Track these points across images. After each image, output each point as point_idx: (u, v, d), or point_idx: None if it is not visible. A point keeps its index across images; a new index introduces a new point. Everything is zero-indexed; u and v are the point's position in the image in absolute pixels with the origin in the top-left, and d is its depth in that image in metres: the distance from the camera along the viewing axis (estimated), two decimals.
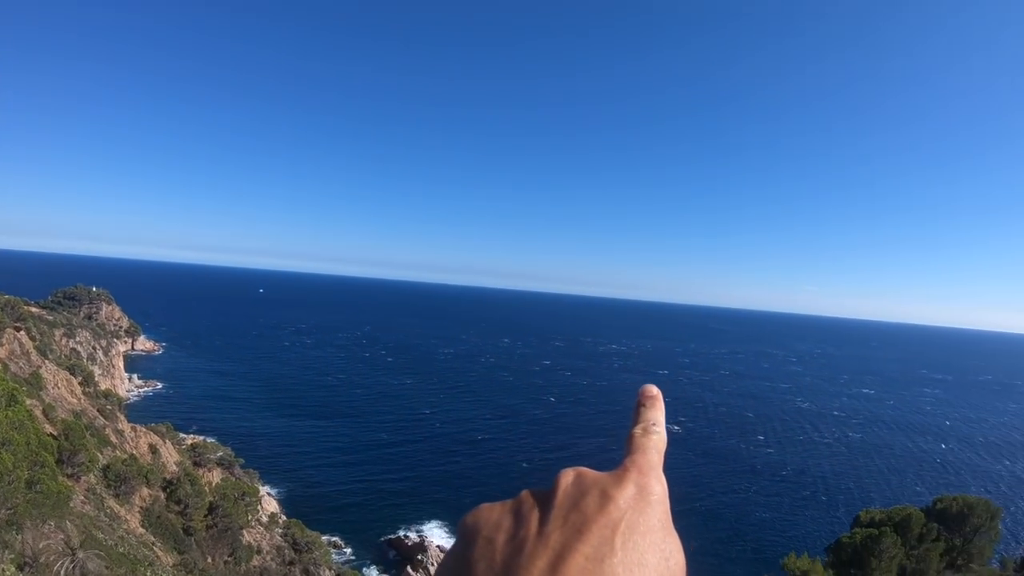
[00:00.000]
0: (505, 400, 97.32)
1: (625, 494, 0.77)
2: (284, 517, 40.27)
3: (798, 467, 73.47)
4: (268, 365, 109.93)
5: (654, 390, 0.83)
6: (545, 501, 0.76)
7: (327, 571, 34.12)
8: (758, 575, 38.69)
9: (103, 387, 53.69)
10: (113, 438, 31.96)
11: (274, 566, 32.26)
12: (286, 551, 34.54)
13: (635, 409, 0.82)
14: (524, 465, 65.65)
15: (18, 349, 35.23)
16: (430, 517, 50.35)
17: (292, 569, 32.97)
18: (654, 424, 0.82)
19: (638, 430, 0.82)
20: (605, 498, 0.75)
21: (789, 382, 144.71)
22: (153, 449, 33.86)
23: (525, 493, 0.77)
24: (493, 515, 0.76)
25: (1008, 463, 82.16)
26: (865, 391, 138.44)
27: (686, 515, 53.84)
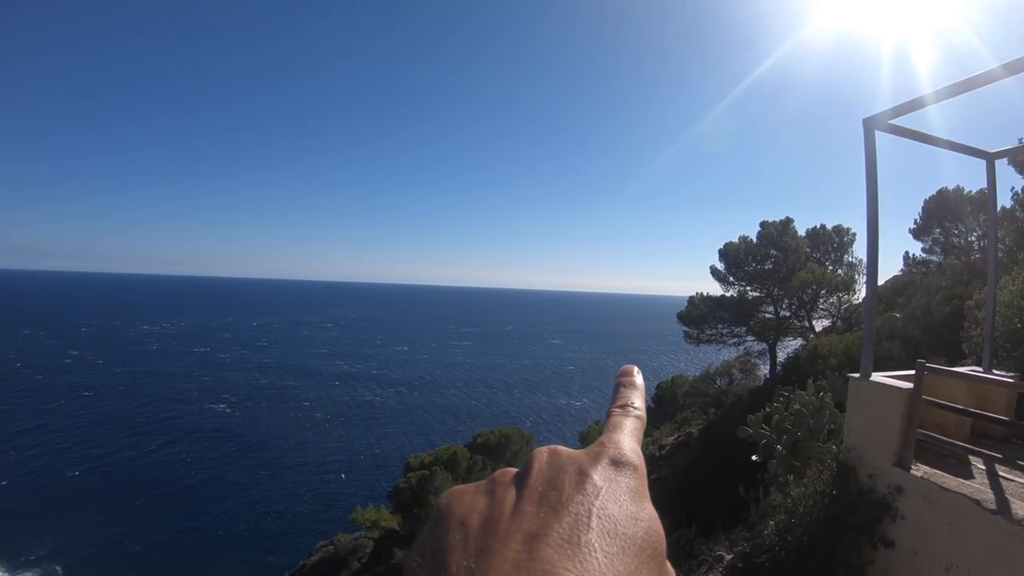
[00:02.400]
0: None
1: (601, 470, 0.76)
2: None
3: (351, 429, 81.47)
4: None
5: (633, 370, 0.94)
6: (520, 480, 0.76)
7: None
8: (332, 533, 39.24)
9: None
10: None
11: None
12: None
13: (614, 389, 0.92)
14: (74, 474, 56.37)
15: None
16: None
17: None
18: (632, 403, 0.90)
19: (616, 408, 0.90)
20: (582, 475, 0.75)
21: (328, 347, 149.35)
22: None
23: (499, 472, 0.80)
24: (466, 497, 0.76)
25: (531, 396, 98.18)
26: (400, 348, 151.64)
27: (240, 495, 56.14)
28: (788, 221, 25.64)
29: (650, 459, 20.90)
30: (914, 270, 24.40)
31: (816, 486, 7.28)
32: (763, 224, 25.95)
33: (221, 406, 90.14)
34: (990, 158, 8.65)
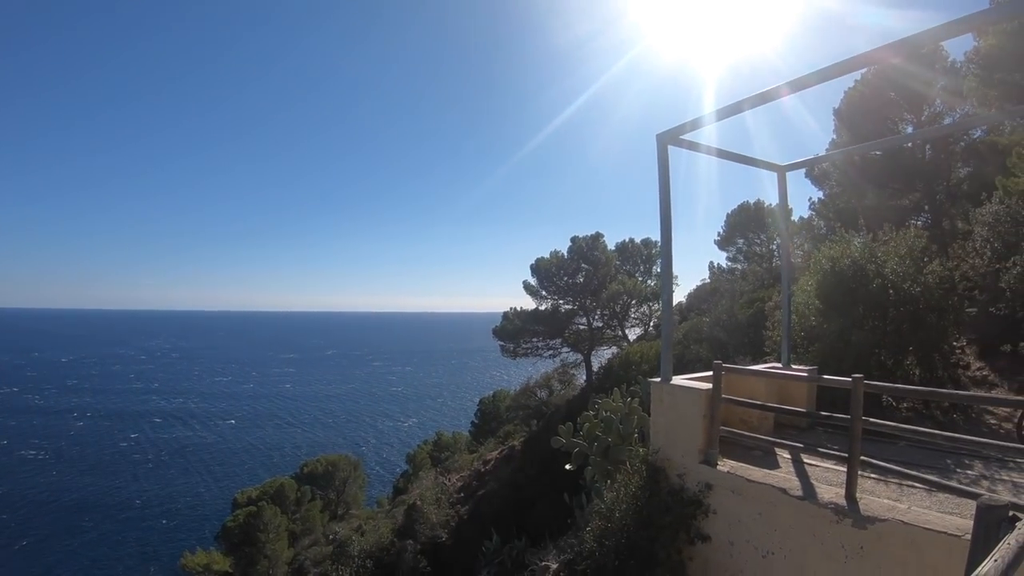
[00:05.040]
0: None
1: None
2: None
3: (172, 469, 75.42)
4: None
5: None
6: None
7: None
8: None
9: None
10: None
11: None
12: None
13: None
14: None
15: None
16: None
17: None
18: None
19: None
20: None
21: (143, 382, 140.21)
22: None
23: None
24: None
25: (358, 421, 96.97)
26: (220, 379, 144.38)
27: (57, 552, 51.03)
28: (598, 236, 26.53)
29: (475, 474, 20.94)
30: (720, 277, 25.97)
31: (628, 489, 7.39)
32: (574, 239, 26.72)
33: (32, 452, 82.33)
34: (781, 170, 9.31)
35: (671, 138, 7.47)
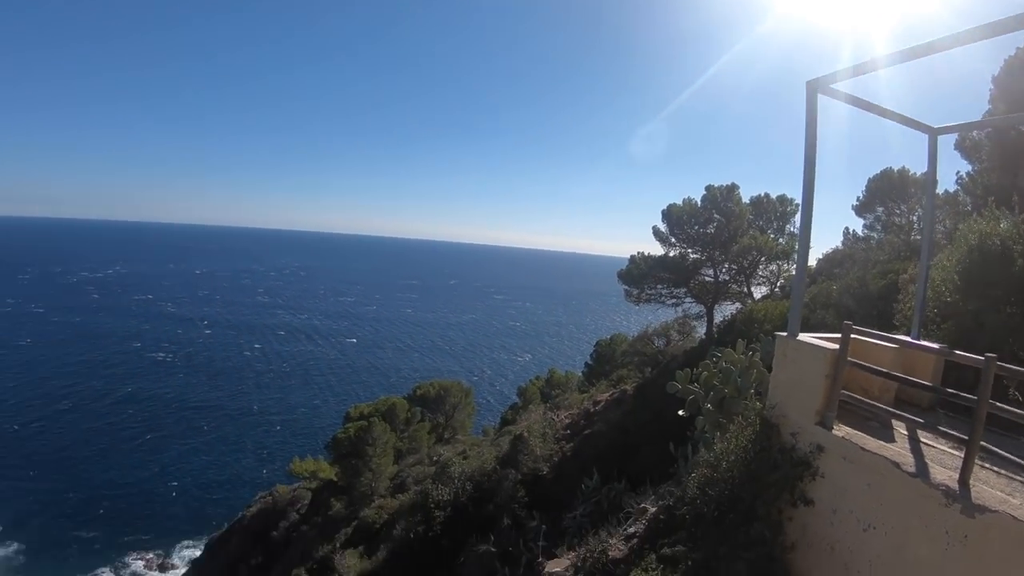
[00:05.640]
0: None
1: None
2: None
3: (291, 380, 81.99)
4: None
5: None
6: None
7: None
8: (271, 484, 40.19)
9: None
10: None
11: None
12: None
13: None
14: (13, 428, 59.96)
15: None
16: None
17: None
18: None
19: None
20: None
21: (271, 297, 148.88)
22: None
23: None
24: None
25: (474, 351, 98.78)
26: (344, 299, 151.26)
27: (181, 447, 57.27)
28: (733, 187, 25.69)
29: (584, 414, 21.10)
30: (854, 245, 24.77)
31: (739, 441, 7.30)
32: (708, 188, 25.96)
33: (161, 355, 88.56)
34: (933, 133, 8.66)
35: (821, 86, 7.08)
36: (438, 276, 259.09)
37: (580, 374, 38.82)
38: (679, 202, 26.03)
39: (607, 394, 22.91)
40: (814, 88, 7.10)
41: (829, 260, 24.17)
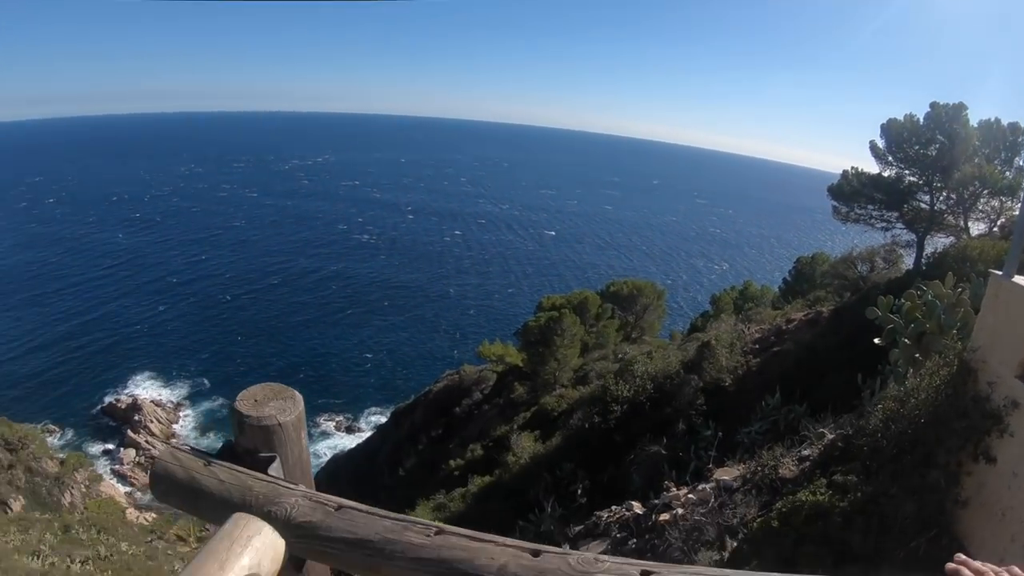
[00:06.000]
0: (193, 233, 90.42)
1: None
2: None
3: (490, 267, 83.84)
4: None
5: None
6: None
7: (49, 461, 31.53)
8: (459, 363, 42.14)
9: None
10: None
11: None
12: None
13: None
14: (226, 298, 66.79)
15: None
16: (134, 372, 50.32)
17: (13, 473, 28.35)
18: None
19: None
20: None
21: (473, 187, 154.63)
22: None
23: None
24: None
25: (671, 254, 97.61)
26: (545, 192, 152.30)
27: (381, 322, 62.36)
28: (961, 107, 23.22)
29: (775, 330, 20.66)
30: None
31: (932, 381, 7.01)
32: (933, 105, 23.67)
33: (366, 237, 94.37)
34: None
35: None
36: (640, 176, 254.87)
37: (776, 290, 37.62)
38: (900, 118, 24.11)
39: (801, 313, 22.26)
40: None
41: None
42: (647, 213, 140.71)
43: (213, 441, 42.52)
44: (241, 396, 1.64)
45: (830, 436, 8.96)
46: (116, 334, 55.97)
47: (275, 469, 1.57)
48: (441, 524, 1.44)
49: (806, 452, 9.07)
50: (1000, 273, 6.81)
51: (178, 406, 49.00)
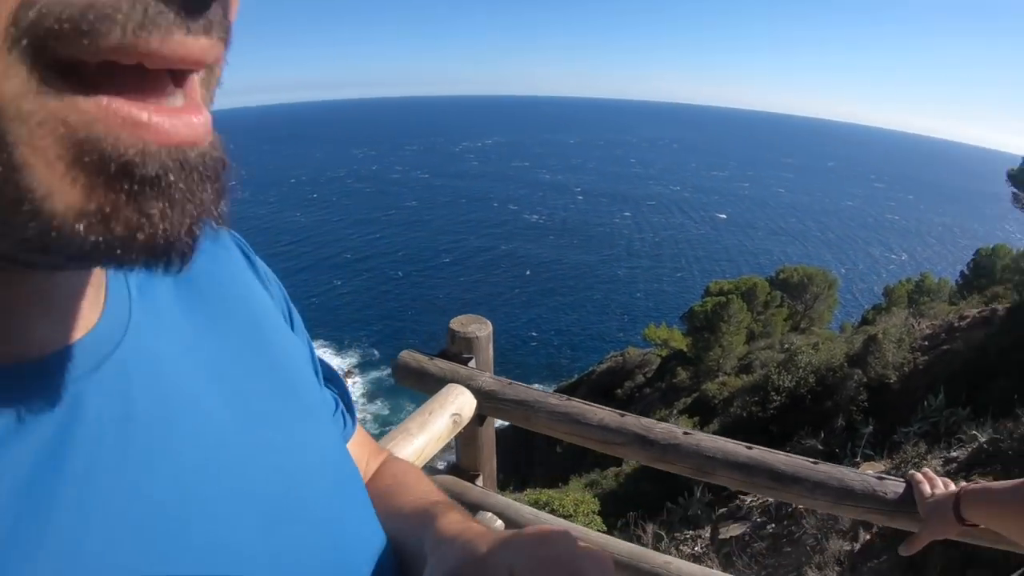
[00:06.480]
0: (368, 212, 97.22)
1: None
2: None
3: (660, 250, 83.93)
4: None
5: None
6: None
7: None
8: (625, 345, 42.59)
9: None
10: None
11: None
12: None
13: None
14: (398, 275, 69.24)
15: None
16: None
17: None
18: None
19: None
20: None
21: (642, 168, 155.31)
22: None
23: None
24: None
25: (845, 241, 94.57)
26: (716, 174, 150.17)
27: (555, 302, 63.84)
28: None
29: (947, 327, 19.99)
30: None
31: None
32: None
33: (535, 217, 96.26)
34: None
35: None
36: (815, 157, 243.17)
37: (954, 283, 35.79)
38: None
39: (976, 310, 21.46)
40: None
41: None
42: (821, 197, 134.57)
43: (380, 407, 44.83)
44: (453, 321, 2.80)
45: (982, 439, 9.04)
46: (294, 305, 60.06)
47: (472, 364, 2.69)
48: (569, 397, 2.47)
49: (955, 453, 9.21)
50: None
51: (347, 374, 50.59)
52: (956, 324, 20.21)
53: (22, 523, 0.42)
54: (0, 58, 0.24)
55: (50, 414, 0.43)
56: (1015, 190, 24.93)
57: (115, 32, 0.26)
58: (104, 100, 0.28)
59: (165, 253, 0.34)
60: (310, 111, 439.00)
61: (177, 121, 0.32)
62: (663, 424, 2.27)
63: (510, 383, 2.55)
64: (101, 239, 0.31)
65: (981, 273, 31.56)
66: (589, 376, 37.71)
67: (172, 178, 0.31)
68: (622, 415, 2.35)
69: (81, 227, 0.29)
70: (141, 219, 0.31)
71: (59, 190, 0.28)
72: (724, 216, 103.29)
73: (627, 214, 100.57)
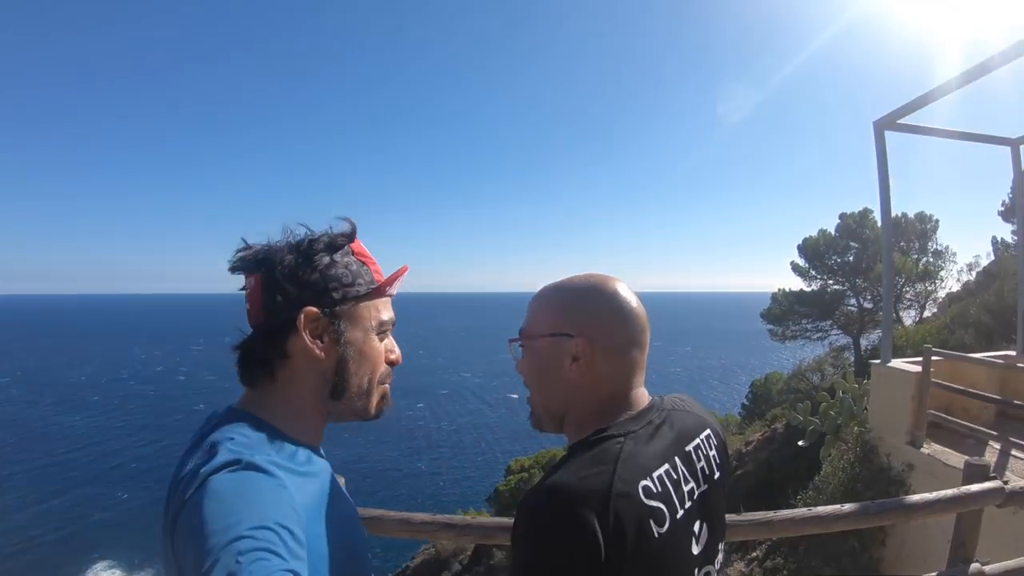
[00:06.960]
0: (154, 417, 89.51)
1: None
2: None
3: (459, 436, 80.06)
4: None
5: None
6: None
7: None
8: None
9: None
10: None
11: None
12: None
13: None
14: None
15: None
16: (93, 562, 44.86)
17: None
18: None
19: None
20: None
21: (437, 357, 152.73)
22: None
23: None
24: None
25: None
26: (504, 356, 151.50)
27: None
28: (866, 212, 25.08)
29: (737, 455, 21.06)
30: (1005, 255, 23.42)
31: (842, 464, 7.84)
32: (842, 216, 25.53)
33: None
34: (1014, 144, 8.52)
35: (888, 124, 7.49)
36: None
37: (738, 415, 38.07)
38: (814, 234, 25.84)
39: (759, 433, 22.85)
40: (881, 126, 7.54)
41: (987, 274, 23.05)
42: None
43: None
44: None
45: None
46: (74, 524, 53.88)
47: None
48: None
49: (755, 553, 9.52)
50: (878, 362, 8.03)
51: None
52: (744, 449, 21.30)
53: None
54: None
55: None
56: (770, 326, 27.30)
57: None
58: None
59: None
60: (84, 304, 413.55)
61: None
62: None
63: None
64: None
65: (759, 400, 33.85)
66: (403, 573, 36.08)
67: None
68: None
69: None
70: None
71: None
72: (516, 396, 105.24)
73: (420, 405, 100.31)
